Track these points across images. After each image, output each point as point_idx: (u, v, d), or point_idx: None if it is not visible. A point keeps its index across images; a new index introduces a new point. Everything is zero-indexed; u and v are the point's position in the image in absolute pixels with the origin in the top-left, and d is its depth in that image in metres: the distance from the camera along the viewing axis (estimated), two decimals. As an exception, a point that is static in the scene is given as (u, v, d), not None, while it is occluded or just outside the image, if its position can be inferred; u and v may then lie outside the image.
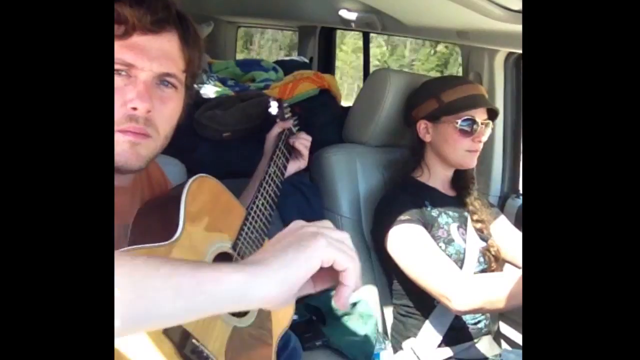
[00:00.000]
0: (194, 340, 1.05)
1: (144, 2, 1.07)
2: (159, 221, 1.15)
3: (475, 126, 1.87)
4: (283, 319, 1.36)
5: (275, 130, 1.73)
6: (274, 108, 1.78)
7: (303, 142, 1.75)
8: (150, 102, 1.09)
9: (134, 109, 1.07)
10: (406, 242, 1.79)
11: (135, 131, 1.08)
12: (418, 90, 2.03)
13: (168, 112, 1.14)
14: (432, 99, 1.94)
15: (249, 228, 1.31)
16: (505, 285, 1.53)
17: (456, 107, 1.88)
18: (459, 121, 1.86)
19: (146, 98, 1.08)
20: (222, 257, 1.21)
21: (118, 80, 1.07)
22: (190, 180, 1.20)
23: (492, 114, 1.93)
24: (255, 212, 1.36)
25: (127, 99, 1.07)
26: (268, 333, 1.29)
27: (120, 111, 1.06)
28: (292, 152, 1.71)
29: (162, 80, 1.12)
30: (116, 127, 1.06)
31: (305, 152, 1.75)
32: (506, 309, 1.58)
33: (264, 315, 1.25)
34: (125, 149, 1.08)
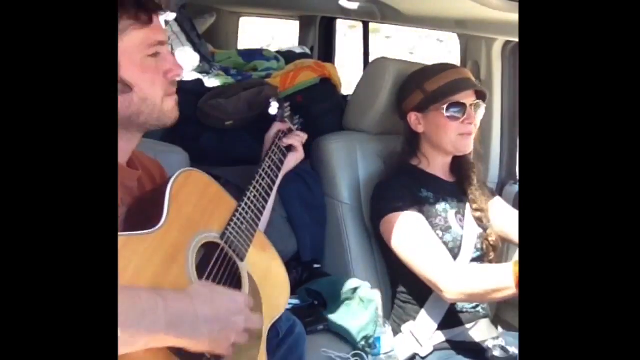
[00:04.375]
0: None
1: None
2: (147, 211, 1.18)
3: (463, 109, 1.87)
4: (276, 306, 1.38)
5: (274, 129, 1.75)
6: (273, 108, 1.79)
7: (297, 138, 1.77)
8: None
9: (175, 76, 1.27)
10: (400, 229, 1.81)
11: (175, 92, 1.29)
12: (404, 83, 2.04)
13: None
14: (416, 90, 1.95)
15: (238, 219, 1.33)
16: (495, 277, 1.56)
17: (440, 94, 1.89)
18: (446, 107, 1.87)
19: (178, 63, 1.28)
20: (210, 246, 1.24)
21: (154, 61, 1.22)
22: (177, 173, 1.24)
23: (481, 95, 1.92)
24: (246, 203, 1.38)
25: (166, 69, 1.24)
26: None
27: (164, 83, 1.24)
28: (289, 148, 1.73)
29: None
30: (164, 95, 1.25)
31: (299, 145, 1.77)
32: (495, 300, 1.61)
33: (253, 304, 1.26)
34: (173, 106, 1.28)
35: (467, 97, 1.89)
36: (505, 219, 2.02)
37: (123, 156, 1.28)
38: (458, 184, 2.02)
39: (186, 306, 1.04)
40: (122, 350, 0.93)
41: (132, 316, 0.94)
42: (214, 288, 1.13)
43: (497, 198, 2.10)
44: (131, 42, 1.18)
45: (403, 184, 1.90)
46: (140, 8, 1.19)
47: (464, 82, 1.91)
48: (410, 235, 1.79)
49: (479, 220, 1.97)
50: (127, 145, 1.27)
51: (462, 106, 1.88)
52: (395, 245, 1.83)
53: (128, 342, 0.94)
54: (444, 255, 1.75)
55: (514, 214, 2.02)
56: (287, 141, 1.73)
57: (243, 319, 1.12)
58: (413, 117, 1.97)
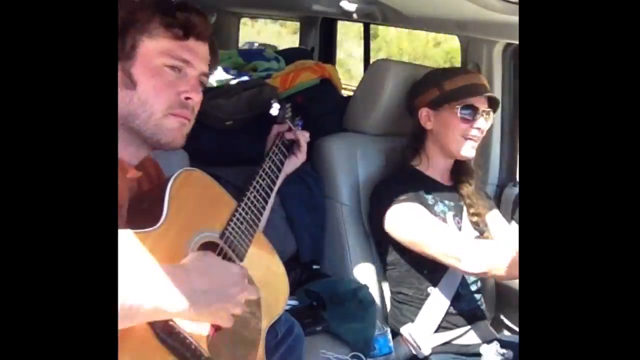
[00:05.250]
0: (171, 323, 1.06)
1: (203, 14, 1.31)
2: (147, 210, 1.19)
3: (475, 113, 1.89)
4: (275, 306, 1.38)
5: (274, 131, 1.75)
6: (274, 110, 1.79)
7: (301, 138, 1.77)
8: (200, 95, 1.29)
9: (188, 98, 1.26)
10: (407, 218, 1.83)
11: (185, 116, 1.27)
12: (421, 79, 2.05)
13: (200, 103, 1.33)
14: (434, 87, 1.97)
15: (238, 219, 1.33)
16: (512, 252, 1.59)
17: (457, 94, 1.91)
18: (460, 107, 1.89)
19: (199, 91, 1.29)
20: (209, 246, 1.24)
21: (172, 74, 1.25)
22: (177, 172, 1.24)
23: (493, 104, 1.95)
24: (246, 204, 1.38)
25: (180, 90, 1.25)
26: (257, 320, 1.30)
27: (173, 99, 1.24)
28: (290, 149, 1.73)
29: (201, 78, 1.31)
30: (169, 111, 1.24)
31: (304, 145, 1.76)
32: (513, 276, 1.63)
33: (253, 302, 1.27)
34: (176, 128, 1.26)
35: (481, 103, 1.91)
36: (499, 236, 2.03)
37: (135, 159, 1.29)
38: (456, 189, 2.03)
39: (183, 279, 1.04)
40: (123, 324, 0.94)
41: (130, 291, 0.95)
42: (210, 261, 1.13)
43: (495, 212, 2.11)
44: (154, 46, 1.23)
45: (404, 183, 1.91)
46: (178, 22, 1.24)
47: (482, 87, 1.93)
48: (419, 221, 1.82)
49: (475, 225, 1.97)
50: (136, 152, 1.29)
51: (474, 109, 1.90)
52: (406, 234, 1.84)
53: (128, 315, 0.95)
54: (457, 232, 1.78)
55: (510, 231, 2.03)
56: (289, 136, 1.72)
57: (239, 290, 1.14)
58: (424, 113, 1.98)
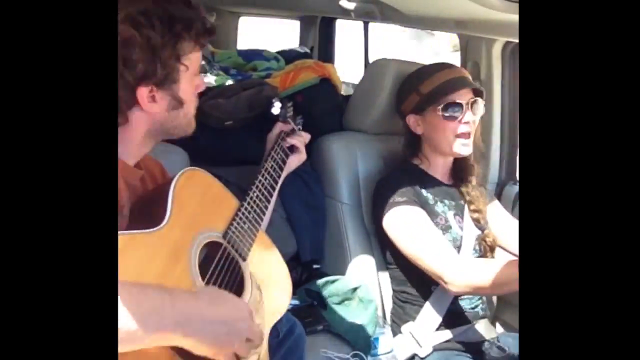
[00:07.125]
0: None
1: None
2: (150, 210, 1.19)
3: (459, 109, 1.87)
4: (277, 308, 1.38)
5: (276, 129, 1.75)
6: (276, 108, 1.79)
7: (299, 138, 1.76)
8: None
9: (201, 89, 1.33)
10: (404, 223, 1.82)
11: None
12: (401, 86, 2.04)
13: None
14: (412, 93, 1.95)
15: (240, 218, 1.32)
16: (501, 270, 1.57)
17: (435, 95, 1.88)
18: (442, 107, 1.87)
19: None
20: (212, 246, 1.24)
21: (196, 79, 1.30)
22: (180, 172, 1.24)
23: (479, 92, 1.92)
24: (249, 203, 1.38)
25: (196, 84, 1.30)
26: (260, 321, 1.29)
27: (196, 97, 1.32)
28: (291, 147, 1.73)
29: None
30: (195, 108, 1.31)
31: (302, 146, 1.76)
32: (501, 292, 1.62)
33: (255, 305, 1.27)
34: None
35: (464, 96, 1.88)
36: (501, 227, 2.02)
37: (134, 158, 1.29)
38: (456, 186, 2.02)
39: (193, 306, 1.04)
40: (129, 346, 0.93)
41: (140, 313, 0.94)
42: (220, 293, 1.13)
43: (495, 202, 2.10)
44: (193, 64, 1.26)
45: (405, 181, 1.90)
46: (205, 33, 1.26)
47: (458, 81, 1.90)
48: (415, 228, 1.80)
49: (476, 221, 1.97)
50: (142, 149, 1.30)
51: (458, 106, 1.87)
52: (400, 239, 1.83)
53: (136, 338, 0.94)
54: (449, 248, 1.76)
55: (511, 222, 2.03)
56: (290, 141, 1.72)
57: (247, 327, 1.12)
58: (412, 120, 1.97)
